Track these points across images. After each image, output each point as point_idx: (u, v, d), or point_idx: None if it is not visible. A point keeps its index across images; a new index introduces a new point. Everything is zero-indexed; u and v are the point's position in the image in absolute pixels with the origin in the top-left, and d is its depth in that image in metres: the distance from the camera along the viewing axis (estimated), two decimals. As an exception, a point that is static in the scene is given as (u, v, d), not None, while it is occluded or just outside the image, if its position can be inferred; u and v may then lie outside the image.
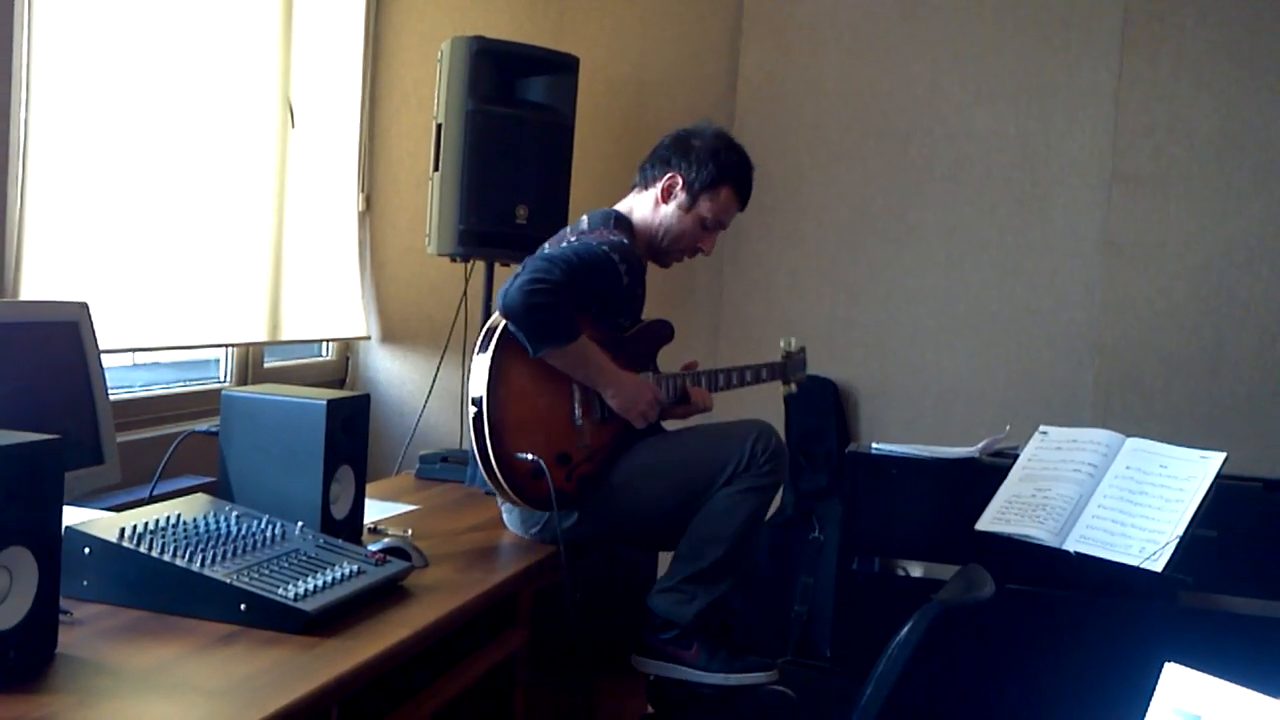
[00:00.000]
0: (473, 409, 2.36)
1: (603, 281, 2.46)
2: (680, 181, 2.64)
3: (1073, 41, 3.85)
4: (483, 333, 2.42)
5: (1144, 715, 1.11)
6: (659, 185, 2.65)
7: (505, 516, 2.60)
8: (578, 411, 2.47)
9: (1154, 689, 1.11)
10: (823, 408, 3.94)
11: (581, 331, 2.41)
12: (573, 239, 2.55)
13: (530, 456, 2.34)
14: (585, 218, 2.67)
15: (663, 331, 2.70)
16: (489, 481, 2.40)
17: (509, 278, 2.38)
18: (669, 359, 2.77)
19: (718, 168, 2.63)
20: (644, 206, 2.69)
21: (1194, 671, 1.10)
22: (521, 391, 2.40)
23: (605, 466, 2.51)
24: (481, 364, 2.37)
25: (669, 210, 2.65)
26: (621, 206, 2.71)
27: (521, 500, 2.40)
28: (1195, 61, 3.74)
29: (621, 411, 2.50)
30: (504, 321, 2.37)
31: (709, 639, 2.48)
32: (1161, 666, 1.12)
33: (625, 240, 2.54)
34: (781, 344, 2.96)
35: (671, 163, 2.65)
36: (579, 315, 2.45)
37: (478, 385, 2.36)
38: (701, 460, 2.47)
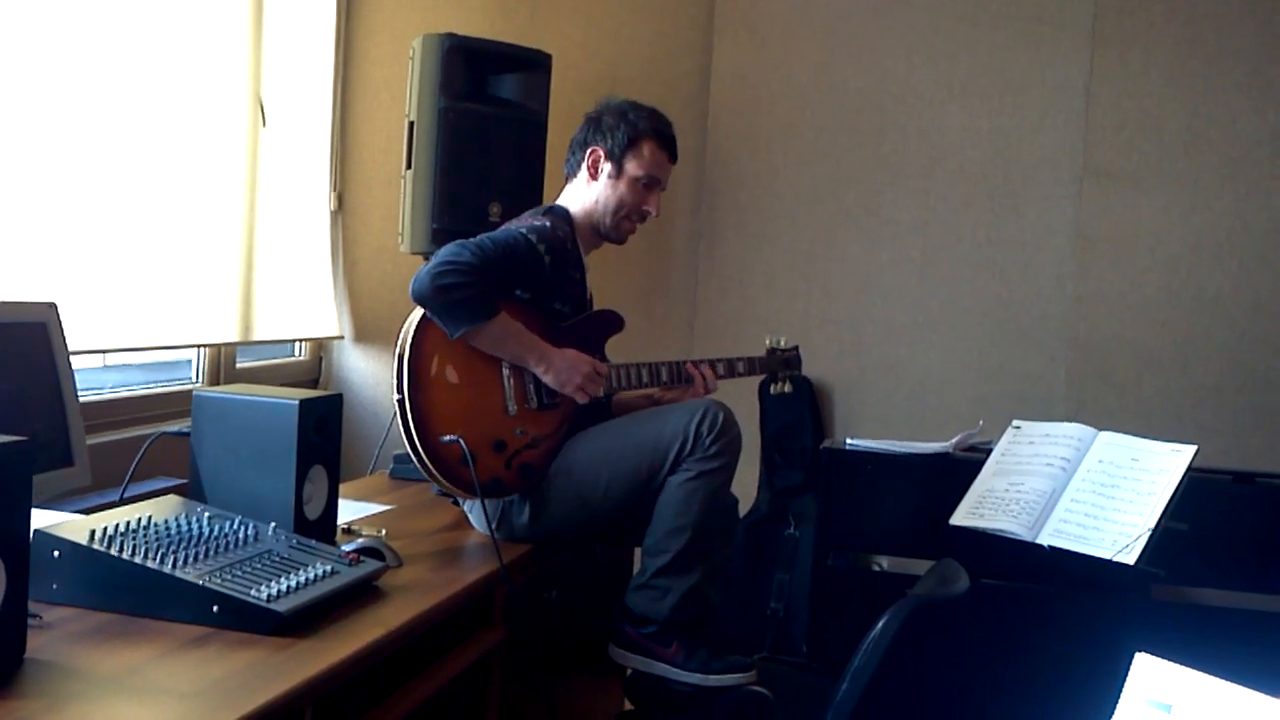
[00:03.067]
0: (395, 396, 2.36)
1: (520, 262, 2.46)
2: (601, 153, 2.67)
3: (1044, 38, 3.88)
4: (403, 325, 2.42)
5: (1116, 706, 1.11)
6: (584, 166, 2.69)
7: (468, 515, 2.60)
8: (510, 398, 2.46)
9: (1125, 680, 1.12)
10: (797, 404, 3.95)
11: (498, 309, 2.41)
12: (499, 228, 2.58)
13: (451, 438, 2.34)
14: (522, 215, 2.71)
15: (609, 321, 2.70)
16: (421, 471, 2.39)
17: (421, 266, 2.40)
18: (647, 359, 2.77)
19: (629, 126, 2.67)
20: (577, 192, 2.72)
21: (1165, 661, 1.10)
22: (445, 379, 2.40)
23: (552, 456, 2.50)
24: (401, 352, 2.37)
25: (601, 184, 2.69)
26: (559, 200, 2.74)
27: (456, 487, 2.39)
28: (1164, 58, 3.78)
29: (558, 386, 2.49)
30: (422, 311, 2.38)
31: (689, 637, 2.47)
32: (1133, 658, 1.12)
33: (548, 224, 2.56)
34: (767, 340, 2.96)
35: (587, 141, 2.70)
36: (508, 302, 2.46)
37: (399, 374, 2.36)
38: (643, 444, 2.45)
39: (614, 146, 2.67)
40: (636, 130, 2.67)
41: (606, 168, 2.68)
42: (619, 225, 2.72)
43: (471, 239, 2.43)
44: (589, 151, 2.69)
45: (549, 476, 2.49)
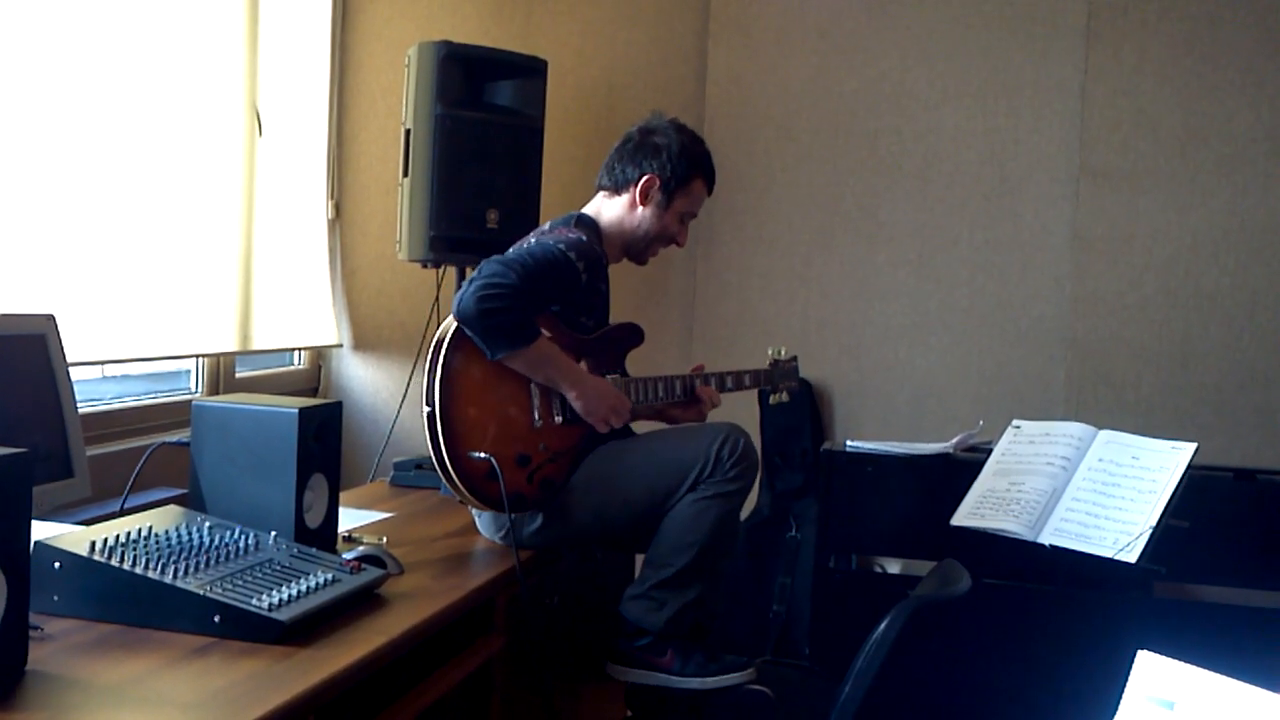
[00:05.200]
0: (426, 409, 2.35)
1: (560, 280, 2.46)
2: (657, 182, 2.65)
3: (1038, 38, 3.88)
4: (436, 336, 2.42)
5: (1118, 704, 1.11)
6: (636, 188, 2.66)
7: (476, 520, 2.60)
8: (536, 412, 2.46)
9: (1128, 678, 1.12)
10: (797, 407, 3.94)
11: (539, 333, 2.41)
12: (532, 240, 2.57)
13: (482, 455, 2.34)
14: (549, 223, 2.70)
15: (631, 335, 2.69)
16: (446, 484, 2.39)
17: (464, 282, 2.39)
18: (646, 362, 2.77)
19: (688, 162, 2.66)
20: (616, 209, 2.69)
21: (1166, 659, 1.10)
22: (475, 393, 2.39)
23: (570, 469, 2.50)
24: (434, 366, 2.37)
25: (647, 212, 2.67)
26: (589, 209, 2.72)
27: (480, 502, 2.39)
28: (1158, 56, 3.78)
29: (585, 415, 2.49)
30: (455, 324, 2.38)
31: (683, 643, 2.47)
32: (1135, 655, 1.12)
33: (584, 238, 2.55)
34: (770, 351, 2.97)
35: (643, 165, 2.66)
36: (539, 316, 2.45)
37: (430, 387, 2.36)
38: (665, 464, 2.46)
39: (670, 178, 2.65)
40: (695, 168, 2.67)
41: (658, 197, 2.66)
42: (652, 250, 2.73)
43: (512, 256, 2.41)
44: (645, 177, 2.65)
45: (568, 489, 2.49)
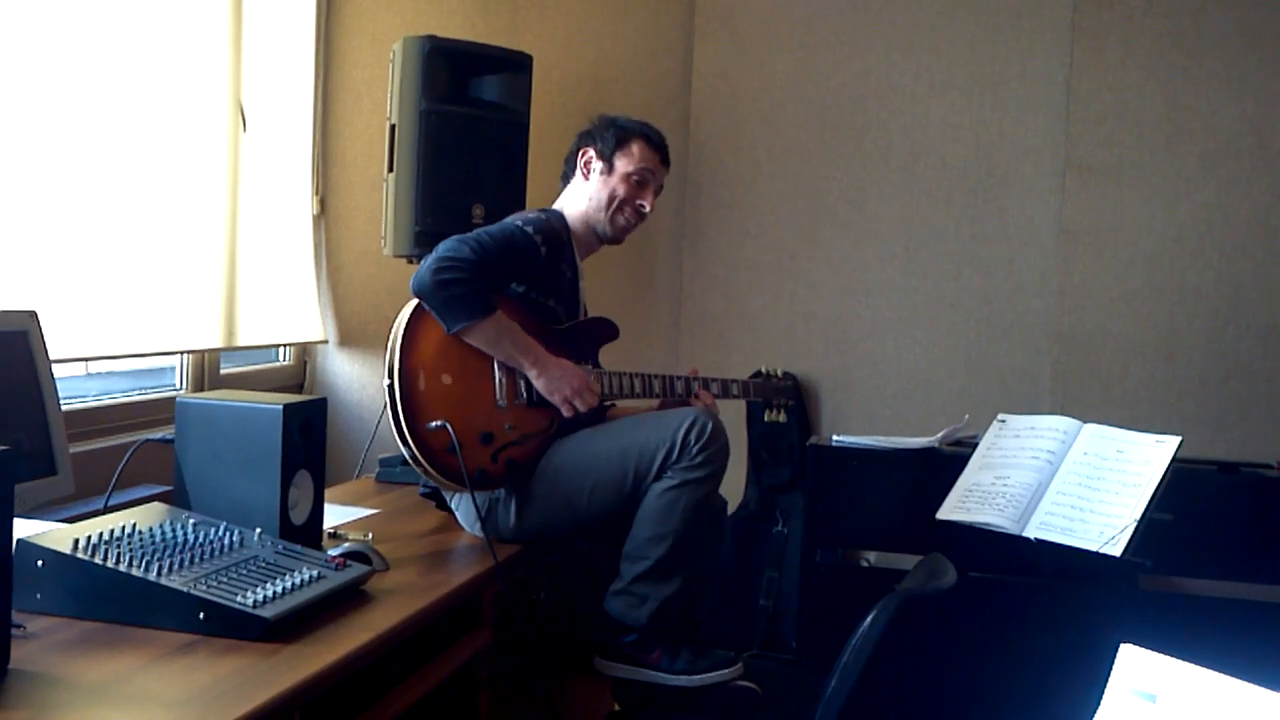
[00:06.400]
0: (386, 381, 2.37)
1: (518, 255, 2.50)
2: (593, 153, 2.74)
3: (1024, 31, 3.88)
4: (399, 313, 2.45)
5: (1101, 697, 1.11)
6: (577, 170, 2.76)
7: (457, 515, 2.59)
8: (500, 391, 2.48)
9: (1111, 670, 1.12)
10: (784, 401, 3.94)
11: (497, 306, 2.44)
12: None
13: (438, 423, 2.35)
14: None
15: (604, 329, 2.73)
16: (408, 458, 2.40)
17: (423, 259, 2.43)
18: (633, 356, 2.77)
19: (619, 128, 2.75)
20: (573, 193, 2.77)
21: (1149, 652, 1.10)
22: (436, 368, 2.42)
23: (540, 453, 2.51)
24: (395, 340, 2.40)
25: (593, 182, 2.74)
26: (555, 207, 2.78)
27: (442, 477, 2.40)
28: (1143, 50, 3.79)
29: (546, 394, 2.50)
30: (417, 301, 2.41)
31: (670, 640, 2.47)
32: (1118, 648, 1.13)
33: (544, 216, 2.62)
34: (763, 369, 2.98)
35: (580, 146, 2.78)
36: (506, 301, 2.50)
37: (390, 360, 2.38)
38: (630, 449, 2.45)
39: (604, 147, 2.73)
40: (626, 131, 2.75)
41: (598, 166, 2.73)
42: (614, 220, 2.74)
43: (470, 234, 2.46)
44: (581, 154, 2.75)
45: (536, 476, 2.49)
